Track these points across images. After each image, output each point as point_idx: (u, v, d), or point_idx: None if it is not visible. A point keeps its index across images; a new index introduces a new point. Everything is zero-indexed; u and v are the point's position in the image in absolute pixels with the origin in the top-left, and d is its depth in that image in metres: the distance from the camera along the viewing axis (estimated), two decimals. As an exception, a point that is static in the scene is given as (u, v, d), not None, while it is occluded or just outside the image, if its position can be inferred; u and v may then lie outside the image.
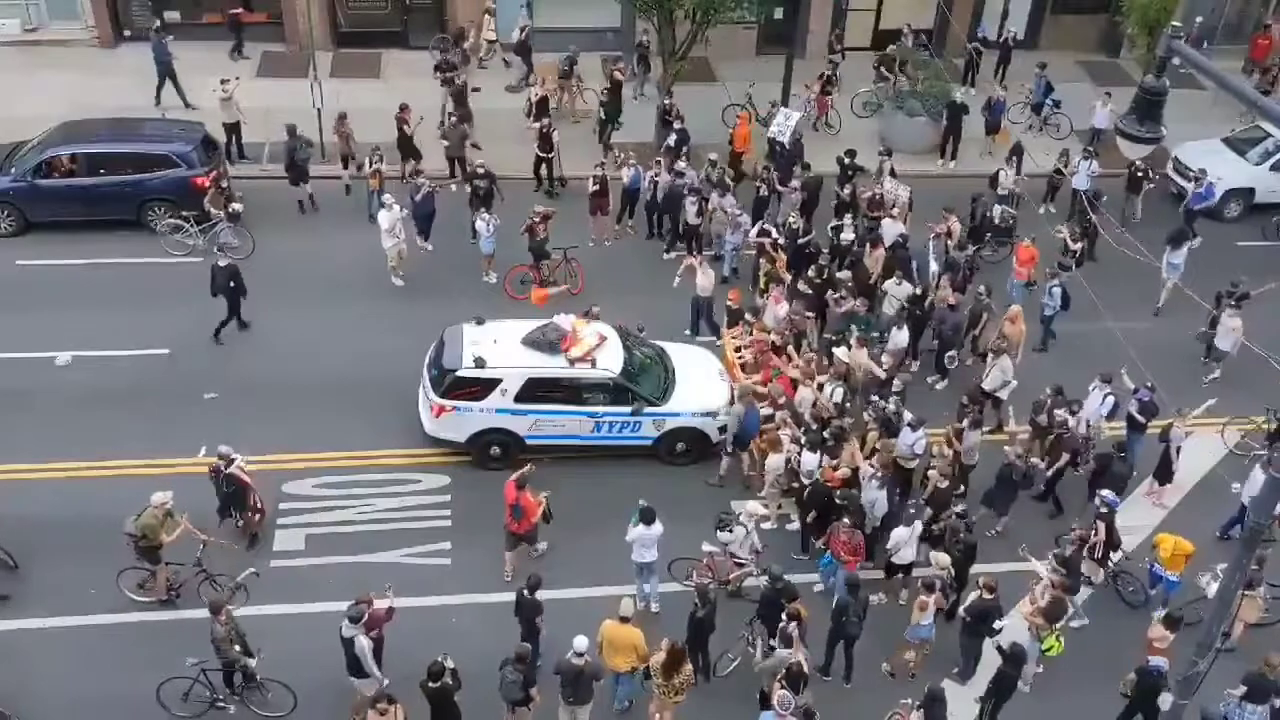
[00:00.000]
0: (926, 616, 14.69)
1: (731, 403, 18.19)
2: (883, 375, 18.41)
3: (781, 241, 21.30)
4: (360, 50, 28.97)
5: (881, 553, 16.09)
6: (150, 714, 14.02)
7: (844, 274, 20.25)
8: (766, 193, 22.88)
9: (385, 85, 26.76)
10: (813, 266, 20.54)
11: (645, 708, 14.23)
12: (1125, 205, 24.48)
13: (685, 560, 16.08)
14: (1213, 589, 15.62)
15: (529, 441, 17.74)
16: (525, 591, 14.39)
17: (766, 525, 16.76)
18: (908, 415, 17.32)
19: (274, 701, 14.26)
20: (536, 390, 17.41)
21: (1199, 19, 28.51)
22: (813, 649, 14.51)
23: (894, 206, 22.31)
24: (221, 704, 14.21)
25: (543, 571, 14.95)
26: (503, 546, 15.92)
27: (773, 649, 14.07)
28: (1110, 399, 17.89)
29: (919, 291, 20.11)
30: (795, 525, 17.06)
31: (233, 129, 24.25)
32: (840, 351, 18.48)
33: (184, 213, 21.90)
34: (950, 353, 19.56)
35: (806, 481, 16.38)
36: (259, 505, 16.20)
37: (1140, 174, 24.03)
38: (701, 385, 18.40)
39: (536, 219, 21.16)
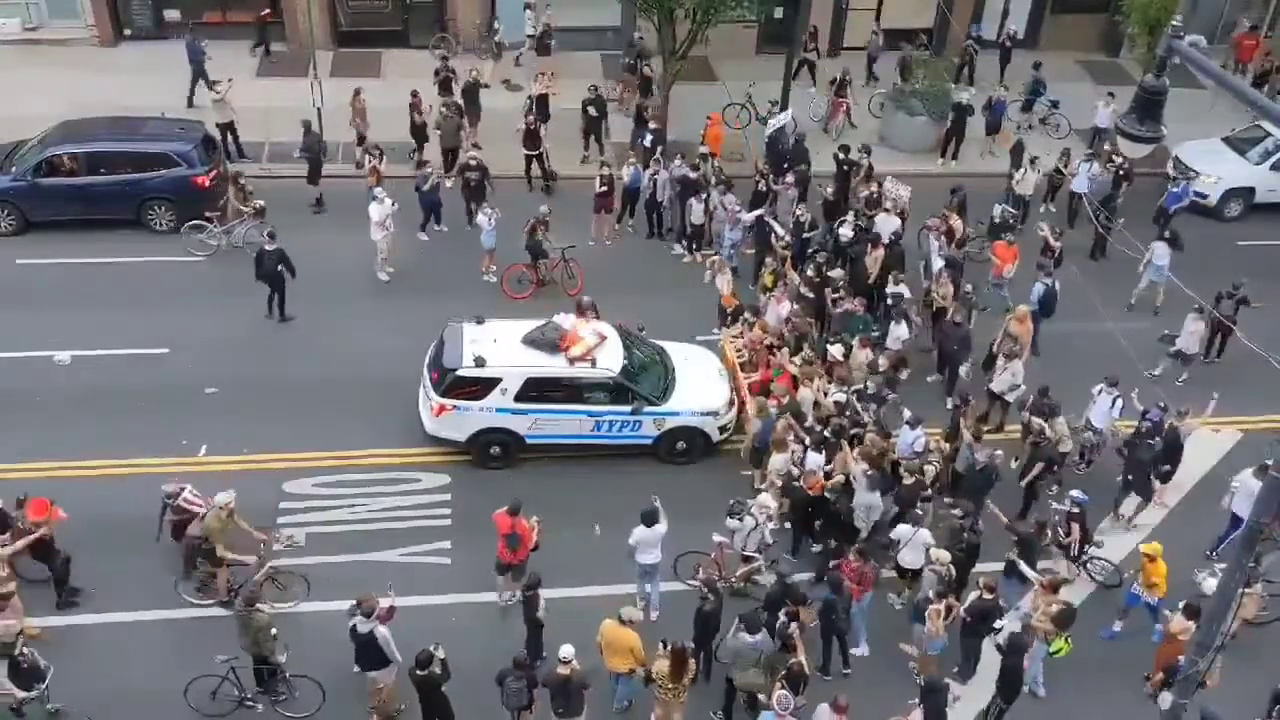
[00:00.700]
0: (935, 626, 14.66)
1: (731, 404, 18.22)
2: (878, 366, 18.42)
3: (787, 239, 21.28)
4: (361, 50, 28.99)
5: (876, 553, 16.06)
6: (175, 712, 14.01)
7: (837, 272, 20.22)
8: (765, 189, 22.90)
9: (386, 84, 26.75)
10: (812, 267, 20.56)
11: (645, 708, 14.20)
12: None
13: (694, 554, 16.05)
14: (1209, 585, 15.68)
15: (529, 441, 17.75)
16: (525, 591, 14.41)
17: (770, 525, 16.79)
18: (906, 413, 17.31)
19: (301, 701, 14.25)
20: (536, 389, 17.41)
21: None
22: (811, 650, 14.51)
23: (890, 203, 22.28)
24: (250, 703, 14.20)
25: (542, 571, 14.89)
26: (495, 574, 15.52)
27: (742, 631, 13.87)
28: (1119, 401, 17.83)
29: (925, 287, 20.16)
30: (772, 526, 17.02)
31: (227, 128, 24.26)
32: (835, 350, 18.46)
33: (207, 213, 22.02)
34: (963, 368, 18.96)
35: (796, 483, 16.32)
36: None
37: (1120, 173, 24.02)
38: (701, 384, 18.40)
39: (537, 219, 21.19)
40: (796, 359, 18.29)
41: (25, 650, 13.30)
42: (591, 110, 25.09)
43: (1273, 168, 25.43)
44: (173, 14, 28.74)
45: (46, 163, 21.89)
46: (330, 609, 15.25)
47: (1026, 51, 29.81)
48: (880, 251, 20.98)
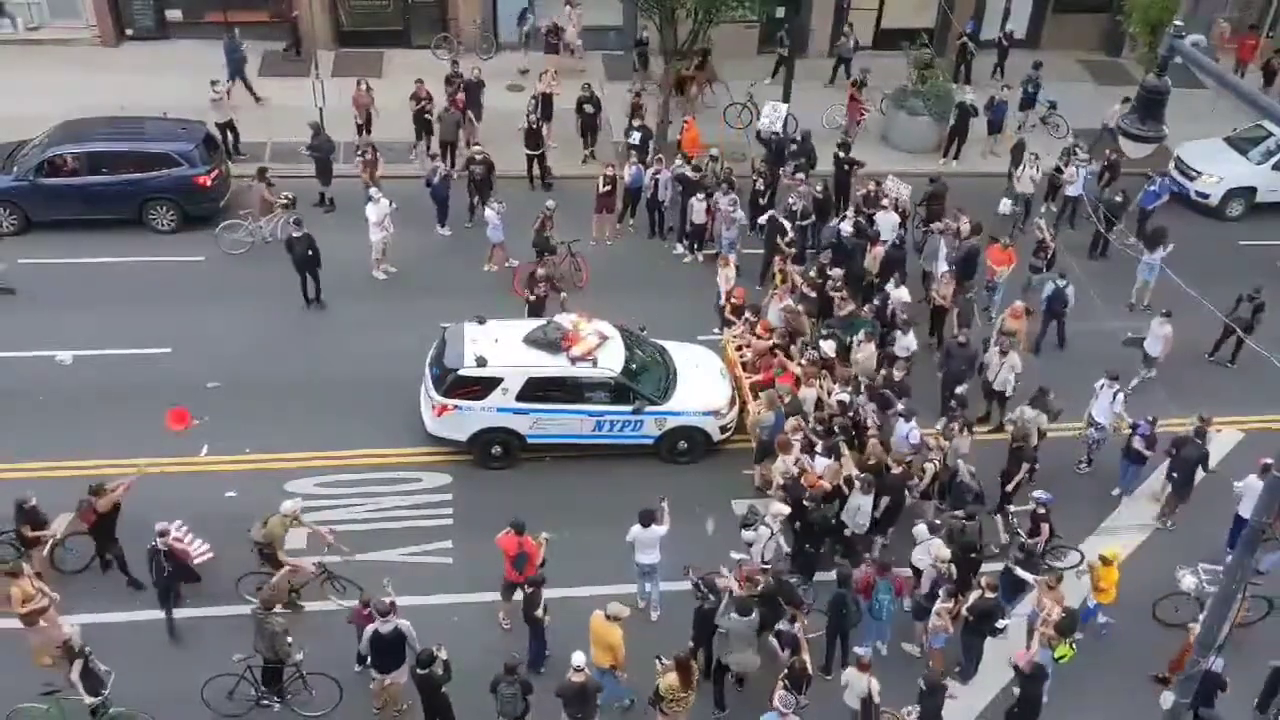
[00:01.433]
0: (944, 622, 14.69)
1: (732, 404, 18.23)
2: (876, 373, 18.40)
3: (791, 235, 21.33)
4: (362, 49, 28.99)
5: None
6: (194, 712, 14.04)
7: (837, 271, 20.24)
8: (764, 187, 22.91)
9: (387, 84, 26.75)
10: (814, 267, 20.58)
11: (643, 711, 14.22)
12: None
13: (713, 575, 15.62)
14: (1188, 582, 15.69)
15: (530, 440, 17.75)
16: (525, 586, 14.42)
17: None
18: (899, 405, 17.28)
19: (317, 699, 14.27)
20: (538, 389, 17.42)
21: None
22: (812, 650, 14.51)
23: (887, 200, 22.29)
24: (266, 702, 14.23)
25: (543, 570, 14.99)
26: (500, 597, 15.38)
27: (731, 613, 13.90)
28: (1120, 396, 17.83)
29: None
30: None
31: (226, 127, 24.29)
32: (826, 346, 18.44)
33: (241, 211, 22.20)
34: (960, 389, 18.50)
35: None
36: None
37: (1105, 165, 24.07)
38: (703, 384, 18.40)
39: (546, 214, 21.26)
40: (803, 360, 18.24)
41: (89, 653, 13.35)
42: (587, 108, 25.12)
43: (1274, 167, 25.40)
44: (174, 14, 28.74)
45: (48, 163, 21.91)
46: (333, 607, 15.27)
47: (1028, 51, 29.78)
48: (880, 249, 21.00)
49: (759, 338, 19.12)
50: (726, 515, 16.57)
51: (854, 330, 19.23)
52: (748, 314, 19.55)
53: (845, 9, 30.25)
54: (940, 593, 14.86)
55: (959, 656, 15.33)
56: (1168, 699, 12.17)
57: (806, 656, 13.91)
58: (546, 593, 14.54)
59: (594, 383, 17.62)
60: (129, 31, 28.81)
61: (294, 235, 20.35)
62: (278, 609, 13.87)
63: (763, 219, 21.89)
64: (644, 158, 23.53)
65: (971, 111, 26.01)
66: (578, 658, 13.17)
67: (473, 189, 22.88)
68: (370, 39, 29.27)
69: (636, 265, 22.65)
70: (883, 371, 18.32)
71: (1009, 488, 17.10)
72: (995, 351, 18.77)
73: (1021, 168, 23.88)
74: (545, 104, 25.17)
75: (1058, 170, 24.29)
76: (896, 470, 16.20)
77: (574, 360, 17.55)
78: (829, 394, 17.77)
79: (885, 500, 16.21)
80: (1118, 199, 23.05)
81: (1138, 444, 17.44)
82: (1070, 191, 23.85)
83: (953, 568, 15.21)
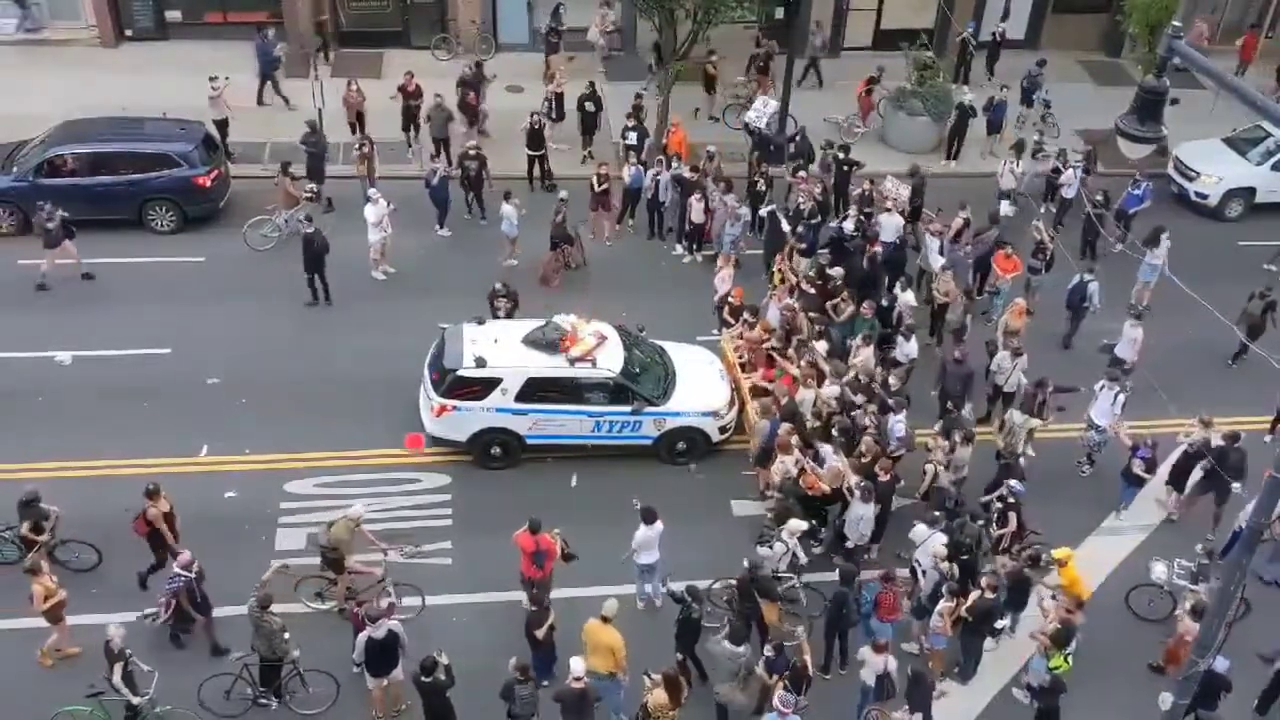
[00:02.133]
0: (946, 624, 14.68)
1: (731, 405, 18.23)
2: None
3: (800, 230, 21.39)
4: (361, 50, 28.98)
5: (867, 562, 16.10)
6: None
7: (837, 270, 20.25)
8: (764, 187, 22.97)
9: (386, 85, 26.74)
10: (814, 266, 20.58)
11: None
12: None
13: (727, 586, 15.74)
14: (1157, 571, 15.70)
15: (529, 441, 17.76)
16: (530, 605, 14.36)
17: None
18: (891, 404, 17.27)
19: (314, 696, 14.28)
20: (537, 390, 17.42)
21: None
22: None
23: (891, 202, 22.30)
24: (264, 700, 14.25)
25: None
26: (525, 592, 15.30)
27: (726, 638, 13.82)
28: (1121, 396, 17.78)
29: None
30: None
31: (221, 125, 24.30)
32: (820, 345, 18.44)
33: (268, 207, 22.33)
34: (965, 410, 18.35)
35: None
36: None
37: (1085, 158, 24.16)
38: (702, 385, 18.41)
39: (563, 203, 21.71)
40: (801, 362, 18.24)
41: (130, 654, 13.37)
42: (588, 106, 25.16)
43: (1273, 168, 25.39)
44: (174, 15, 28.73)
45: (48, 163, 21.92)
46: (332, 608, 15.27)
47: (1028, 52, 29.78)
48: (878, 248, 21.02)
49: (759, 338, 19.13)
50: (726, 516, 16.59)
51: (854, 332, 19.23)
52: (746, 314, 19.55)
53: (845, 9, 30.26)
54: (943, 592, 14.85)
55: (958, 656, 15.32)
56: (1166, 699, 12.18)
57: (807, 657, 13.91)
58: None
59: (593, 383, 17.62)
60: (128, 32, 28.80)
61: (306, 232, 20.41)
62: (331, 603, 13.75)
63: (763, 210, 21.91)
64: (641, 158, 23.56)
65: (970, 112, 26.02)
66: (578, 665, 13.08)
67: (466, 185, 23.05)
68: (369, 39, 29.26)
69: (636, 266, 22.67)
70: (879, 372, 18.29)
71: (984, 499, 16.76)
72: (1007, 355, 18.69)
73: (1003, 163, 23.98)
74: (559, 103, 25.27)
75: (1055, 171, 24.30)
76: (885, 478, 16.13)
77: (573, 361, 17.55)
78: (819, 397, 17.69)
79: (878, 507, 16.15)
80: (1097, 198, 22.99)
81: (1137, 467, 17.11)
82: (1067, 193, 23.84)
83: (954, 567, 15.21)
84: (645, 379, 18.09)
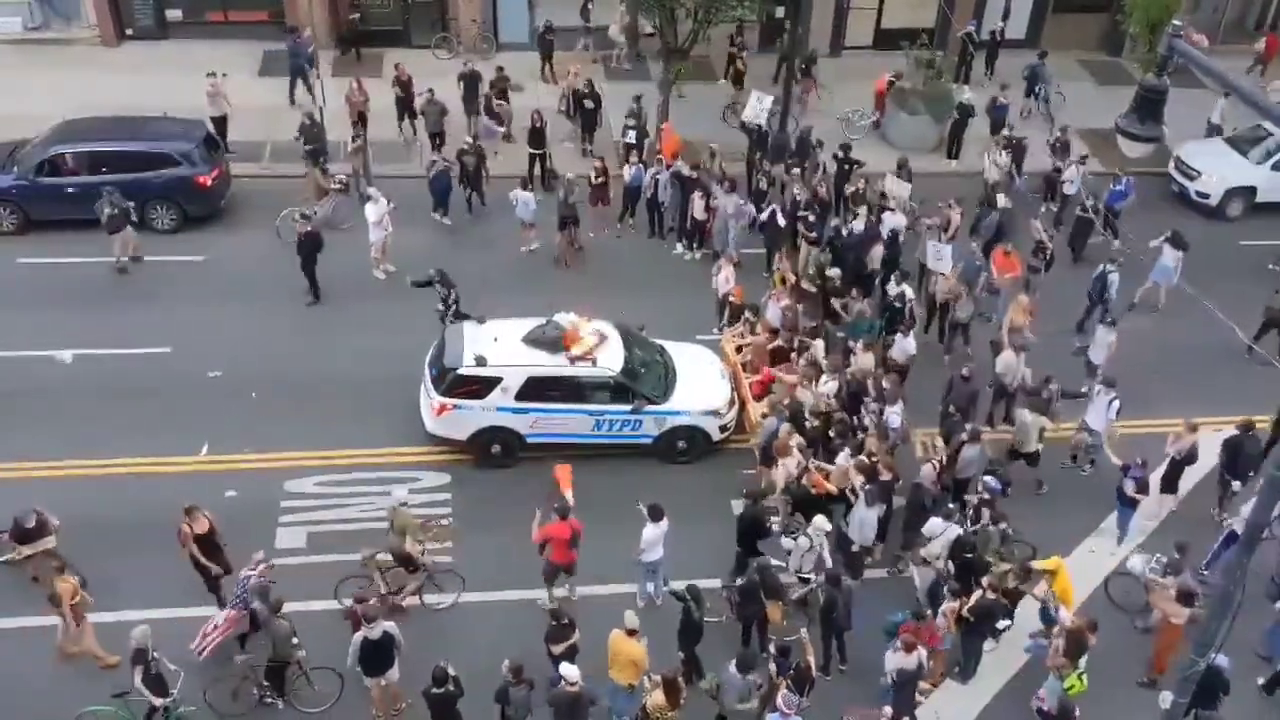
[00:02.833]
0: (949, 625, 14.63)
1: (731, 404, 18.24)
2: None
3: (812, 220, 21.47)
4: (362, 49, 28.97)
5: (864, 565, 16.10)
6: (196, 713, 14.07)
7: (835, 271, 20.25)
8: (766, 185, 23.02)
9: (387, 84, 26.75)
10: (814, 266, 20.58)
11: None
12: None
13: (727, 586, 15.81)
14: (1133, 562, 15.83)
15: (529, 440, 17.76)
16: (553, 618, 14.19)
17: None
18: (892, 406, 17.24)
19: (319, 694, 14.30)
20: (537, 388, 17.42)
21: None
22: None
23: (894, 201, 22.30)
24: (270, 700, 14.27)
25: (528, 574, 15.15)
26: (546, 581, 15.51)
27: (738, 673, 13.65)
28: (1116, 403, 17.73)
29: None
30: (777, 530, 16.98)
31: (219, 122, 24.31)
32: (817, 345, 18.41)
33: (302, 199, 22.55)
34: (979, 425, 18.00)
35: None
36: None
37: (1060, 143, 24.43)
38: (702, 384, 18.40)
39: (570, 182, 22.09)
40: (801, 360, 18.22)
41: (155, 656, 13.38)
42: (587, 103, 25.20)
43: (1274, 167, 25.37)
44: (174, 14, 28.77)
45: (49, 162, 21.93)
46: (332, 607, 15.24)
47: (1029, 51, 29.78)
48: (880, 247, 21.03)
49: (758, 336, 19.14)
50: (726, 515, 16.56)
51: (855, 333, 19.22)
52: (747, 314, 19.55)
53: (845, 9, 30.28)
54: (944, 594, 14.82)
55: (958, 656, 15.31)
56: (1166, 698, 12.17)
57: (811, 658, 13.90)
58: (532, 593, 14.50)
59: (593, 382, 17.62)
60: (129, 31, 28.84)
61: (301, 232, 20.44)
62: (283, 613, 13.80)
63: (763, 215, 21.94)
64: (642, 157, 23.60)
65: (969, 111, 26.02)
66: (572, 671, 12.97)
67: (465, 180, 23.16)
68: (370, 39, 29.26)
69: (636, 265, 22.67)
70: (879, 373, 18.28)
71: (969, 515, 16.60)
72: (1012, 353, 18.64)
73: (985, 155, 24.11)
74: (577, 101, 25.37)
75: (1056, 170, 24.30)
76: (887, 476, 16.13)
77: (573, 359, 17.55)
78: (816, 395, 17.69)
79: (882, 509, 16.13)
80: (1089, 200, 22.95)
81: (1128, 488, 16.75)
82: (1069, 189, 23.84)
83: (950, 565, 15.20)
84: (646, 378, 18.09)
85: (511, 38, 29.51)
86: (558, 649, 13.88)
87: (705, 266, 22.06)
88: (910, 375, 18.72)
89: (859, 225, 21.33)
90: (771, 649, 14.09)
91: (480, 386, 17.36)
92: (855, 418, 17.38)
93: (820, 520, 15.45)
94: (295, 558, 16.13)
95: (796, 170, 23.05)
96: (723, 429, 18.26)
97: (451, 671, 13.17)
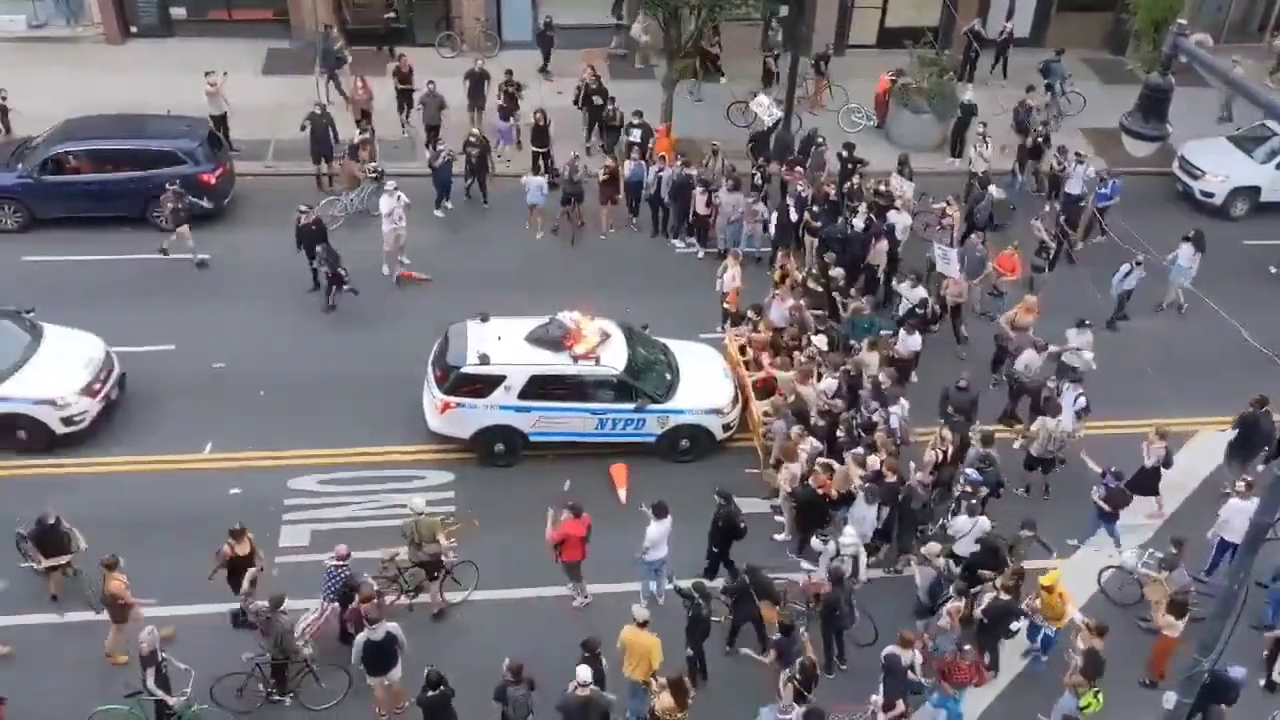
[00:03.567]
0: (954, 625, 14.56)
1: (735, 403, 18.24)
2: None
3: (814, 209, 21.54)
4: (366, 47, 28.96)
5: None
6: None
7: (838, 271, 20.24)
8: (762, 181, 23.08)
9: (391, 81, 26.75)
10: (817, 264, 20.58)
11: None
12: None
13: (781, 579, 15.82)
14: (1126, 556, 15.85)
15: (532, 439, 17.77)
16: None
17: (779, 537, 16.92)
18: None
19: (326, 691, 14.33)
20: (540, 387, 17.42)
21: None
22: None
23: (899, 200, 22.30)
24: (276, 698, 14.28)
25: (531, 572, 15.15)
26: (570, 578, 15.63)
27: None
28: (1081, 399, 17.66)
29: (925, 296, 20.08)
30: (781, 535, 17.01)
31: (220, 121, 24.34)
32: (819, 340, 18.41)
33: (338, 188, 23.12)
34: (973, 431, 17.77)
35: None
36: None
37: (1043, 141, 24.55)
38: (705, 383, 18.40)
39: (575, 158, 22.76)
40: (803, 357, 18.22)
41: (164, 656, 13.41)
42: (595, 99, 25.22)
43: (1279, 167, 25.35)
44: (179, 11, 28.78)
45: (52, 160, 21.94)
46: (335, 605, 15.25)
47: (1035, 50, 29.77)
48: (884, 244, 21.03)
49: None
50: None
51: (855, 331, 19.21)
52: (750, 313, 19.54)
53: (850, 7, 30.25)
54: (952, 592, 14.80)
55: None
56: (1170, 699, 12.15)
57: (811, 655, 13.89)
58: (548, 590, 14.49)
59: (597, 381, 17.62)
60: (134, 29, 28.84)
61: (301, 222, 20.60)
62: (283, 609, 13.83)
63: (774, 215, 21.97)
64: (645, 154, 23.62)
65: (972, 110, 26.00)
66: (584, 673, 12.93)
67: (468, 170, 23.29)
68: (374, 36, 29.24)
69: (639, 263, 22.66)
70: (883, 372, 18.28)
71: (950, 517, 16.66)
72: (1031, 351, 18.63)
73: (971, 148, 24.30)
74: (586, 96, 25.46)
75: (1060, 168, 24.24)
76: (892, 478, 16.09)
77: (577, 358, 17.55)
78: (817, 391, 17.68)
79: (885, 510, 16.13)
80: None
81: (1097, 495, 16.60)
82: (1072, 188, 23.78)
83: (951, 564, 15.19)
84: (649, 376, 18.08)
85: (515, 36, 29.48)
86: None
87: (709, 264, 22.06)
88: (916, 375, 18.69)
89: (859, 222, 21.33)
90: (774, 636, 14.12)
91: (483, 385, 17.36)
92: (858, 414, 17.37)
93: (851, 530, 15.39)
94: (299, 556, 16.14)
95: (799, 169, 23.03)
96: (726, 428, 18.26)
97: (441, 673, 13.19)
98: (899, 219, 21.61)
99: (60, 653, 14.68)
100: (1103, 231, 22.83)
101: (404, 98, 25.67)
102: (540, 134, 24.31)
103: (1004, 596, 14.52)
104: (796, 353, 18.50)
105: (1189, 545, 15.79)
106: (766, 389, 18.39)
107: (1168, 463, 17.08)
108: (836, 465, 16.44)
